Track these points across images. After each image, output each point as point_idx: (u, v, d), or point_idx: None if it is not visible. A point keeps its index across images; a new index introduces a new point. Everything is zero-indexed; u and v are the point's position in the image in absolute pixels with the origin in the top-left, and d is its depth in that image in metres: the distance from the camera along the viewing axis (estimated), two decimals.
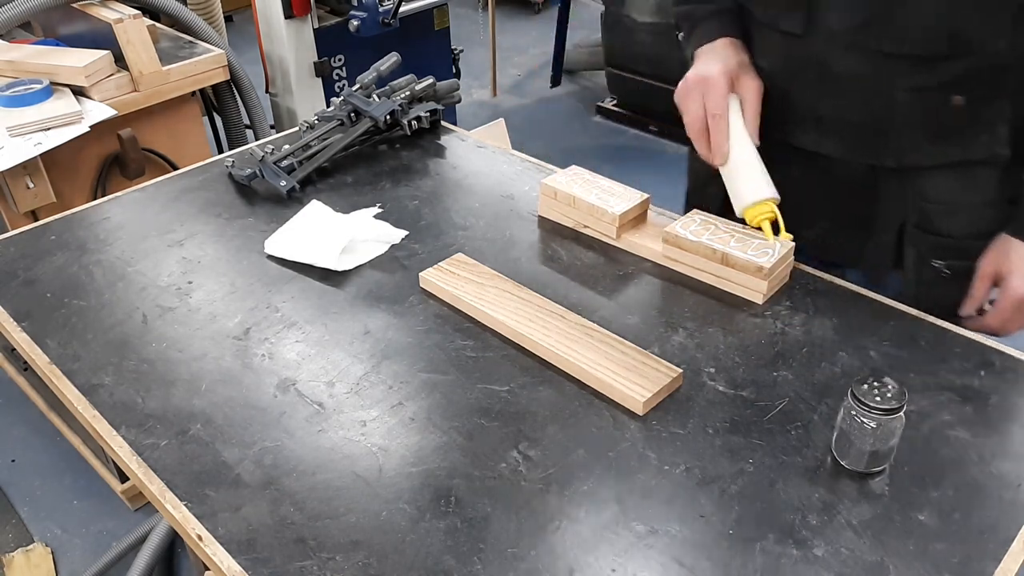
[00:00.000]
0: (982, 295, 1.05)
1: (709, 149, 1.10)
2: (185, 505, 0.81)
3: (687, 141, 1.14)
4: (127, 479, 1.82)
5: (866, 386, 0.79)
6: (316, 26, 2.71)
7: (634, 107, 3.76)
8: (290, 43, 2.68)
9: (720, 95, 1.07)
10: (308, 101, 2.78)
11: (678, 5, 1.21)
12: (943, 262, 1.08)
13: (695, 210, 1.14)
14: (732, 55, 1.10)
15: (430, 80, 1.52)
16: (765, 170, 1.08)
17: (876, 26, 0.98)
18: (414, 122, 1.44)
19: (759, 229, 1.08)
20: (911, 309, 1.04)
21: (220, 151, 2.49)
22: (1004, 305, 1.03)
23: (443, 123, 1.52)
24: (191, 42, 2.31)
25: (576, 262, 1.15)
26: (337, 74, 2.83)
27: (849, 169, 1.10)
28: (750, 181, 1.08)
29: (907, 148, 1.05)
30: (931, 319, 1.02)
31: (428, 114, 1.46)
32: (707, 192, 1.24)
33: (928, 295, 1.09)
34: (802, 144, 1.12)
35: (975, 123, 1.01)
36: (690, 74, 1.10)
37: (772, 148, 1.15)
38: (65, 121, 1.90)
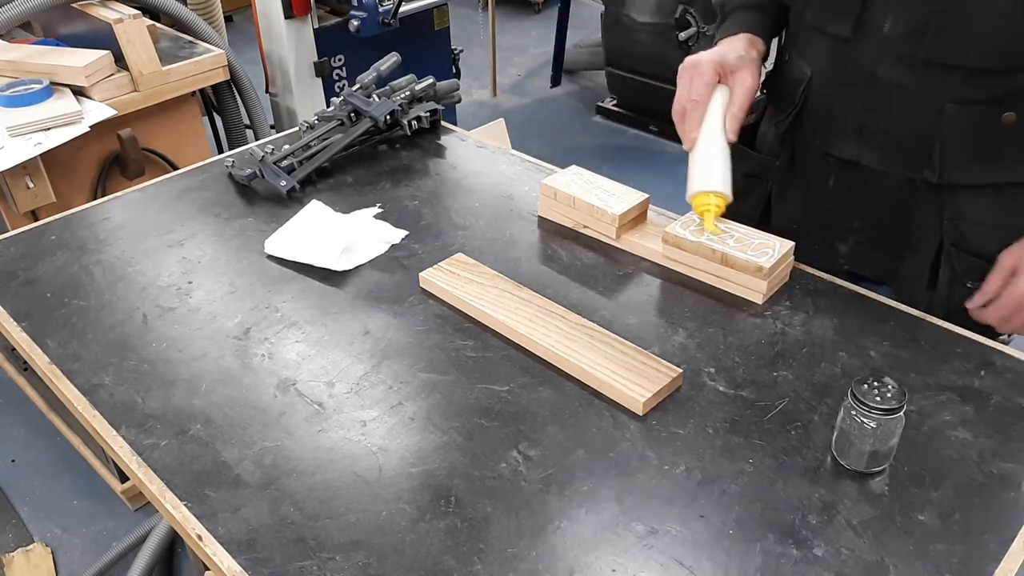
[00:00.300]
0: (994, 288, 1.02)
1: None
2: (185, 505, 0.81)
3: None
4: (127, 479, 1.83)
5: (866, 386, 0.79)
6: (316, 26, 2.71)
7: (634, 107, 3.76)
8: (290, 43, 2.68)
9: (704, 82, 1.05)
10: (308, 101, 2.78)
11: None
12: (977, 283, 1.04)
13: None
14: (740, 48, 1.09)
15: (430, 80, 1.52)
16: (727, 165, 1.07)
17: (933, 34, 0.95)
18: (414, 122, 1.44)
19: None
20: (911, 309, 1.04)
21: (220, 151, 2.49)
22: (1007, 301, 1.00)
23: (443, 123, 1.53)
24: (191, 42, 2.31)
25: (576, 262, 1.15)
26: (337, 74, 2.83)
27: (887, 182, 1.08)
28: (705, 170, 1.07)
29: (950, 164, 1.02)
30: (931, 319, 1.02)
31: (428, 114, 1.46)
32: (744, 202, 1.21)
33: (959, 317, 1.05)
34: (840, 154, 1.10)
35: (1023, 143, 0.98)
36: (689, 57, 1.09)
37: (809, 158, 1.15)
38: (65, 121, 1.90)
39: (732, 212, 1.19)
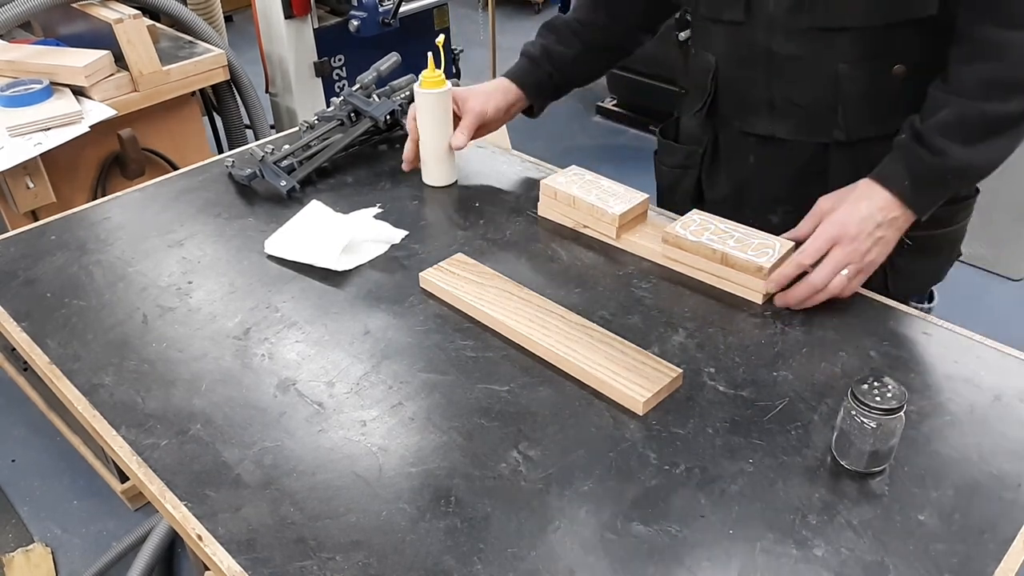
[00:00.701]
0: (806, 228, 1.05)
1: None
2: (185, 505, 0.81)
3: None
4: (127, 479, 1.83)
5: (866, 386, 0.79)
6: (316, 26, 2.72)
7: (634, 107, 3.77)
8: (290, 43, 2.68)
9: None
10: (308, 101, 2.78)
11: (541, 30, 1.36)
12: (911, 236, 1.07)
13: (695, 210, 1.14)
14: (479, 96, 1.29)
15: None
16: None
17: (808, 5, 1.03)
18: None
19: None
20: (911, 309, 1.04)
21: (220, 151, 2.49)
22: (817, 239, 1.01)
23: None
24: (191, 42, 2.31)
25: (576, 262, 1.15)
26: (337, 74, 2.83)
27: (803, 150, 1.15)
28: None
29: (855, 122, 1.09)
30: (931, 319, 1.02)
31: None
32: (676, 191, 1.32)
33: (896, 272, 1.11)
34: (756, 130, 1.17)
35: (919, 92, 1.03)
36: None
37: (730, 140, 1.22)
38: (65, 121, 1.90)
39: (666, 203, 1.31)
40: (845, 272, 1.00)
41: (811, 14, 1.03)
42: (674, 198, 1.34)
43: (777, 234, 1.09)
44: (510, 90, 1.31)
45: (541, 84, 1.32)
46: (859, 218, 1.00)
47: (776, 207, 1.20)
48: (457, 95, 1.29)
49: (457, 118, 1.29)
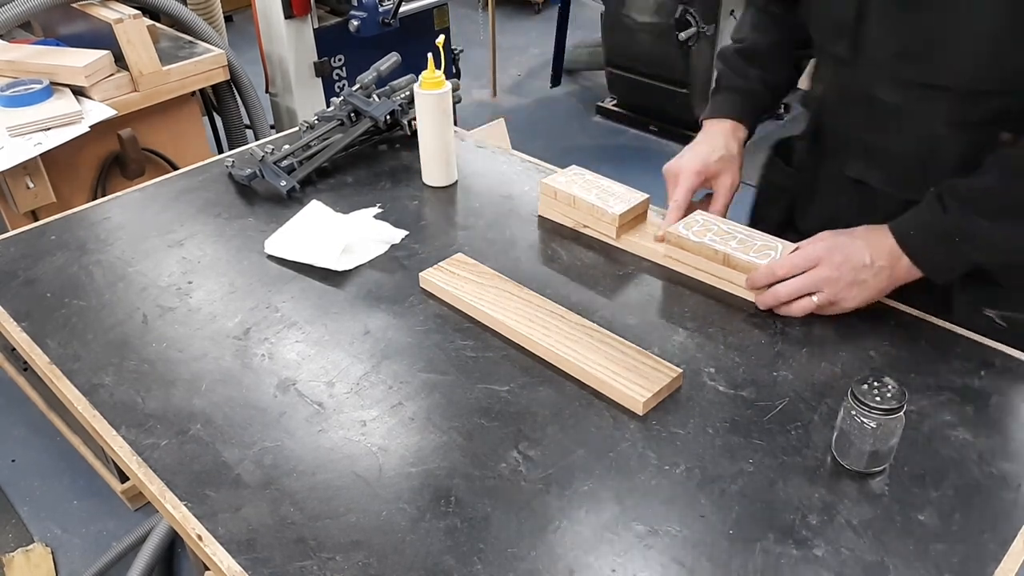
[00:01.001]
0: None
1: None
2: (185, 505, 0.81)
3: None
4: (127, 479, 1.83)
5: (866, 386, 0.79)
6: (316, 26, 2.72)
7: (634, 107, 3.77)
8: (290, 43, 2.68)
9: (684, 190, 1.15)
10: (308, 101, 2.78)
11: (719, 60, 1.26)
12: (996, 311, 1.02)
13: (697, 211, 1.14)
14: (722, 145, 1.17)
15: None
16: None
17: (922, 56, 0.95)
18: (414, 122, 1.44)
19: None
20: (911, 309, 1.04)
21: (220, 151, 2.49)
22: (802, 250, 1.00)
23: None
24: (191, 42, 2.31)
25: (576, 262, 1.15)
26: (337, 74, 2.83)
27: (893, 202, 1.04)
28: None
29: None
30: (931, 319, 1.02)
31: None
32: (770, 208, 1.25)
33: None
34: (850, 172, 1.10)
35: None
36: (671, 163, 1.18)
37: (828, 175, 1.15)
38: (65, 121, 1.90)
39: (758, 218, 1.23)
40: (815, 297, 0.99)
41: (917, 66, 0.95)
42: (767, 214, 1.27)
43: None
44: (738, 130, 1.20)
45: (758, 115, 1.23)
46: (849, 252, 0.98)
47: None
48: (708, 170, 1.16)
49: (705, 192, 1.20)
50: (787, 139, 1.28)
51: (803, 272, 0.99)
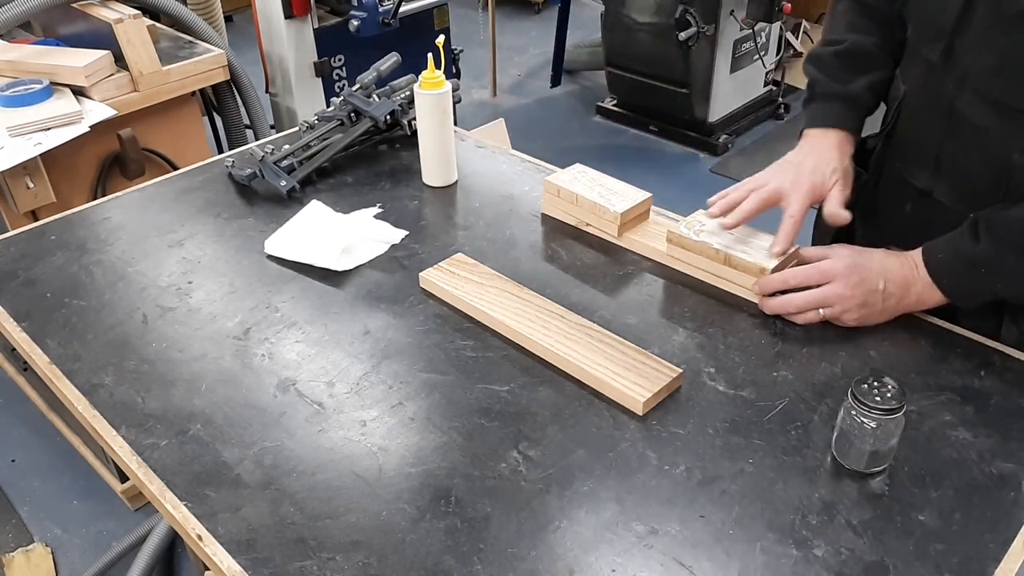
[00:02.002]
0: (815, 253, 1.02)
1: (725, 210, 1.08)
2: (185, 505, 0.81)
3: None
4: (127, 479, 1.83)
5: (866, 386, 0.79)
6: (316, 26, 2.72)
7: (634, 107, 3.77)
8: (290, 43, 2.68)
9: (800, 208, 1.04)
10: (308, 101, 2.78)
11: (811, 64, 1.17)
12: None
13: (699, 210, 1.14)
14: (832, 160, 1.07)
15: None
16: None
17: (1005, 76, 0.91)
18: (414, 122, 1.44)
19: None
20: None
21: (220, 151, 2.49)
22: (820, 263, 0.98)
23: None
24: (191, 42, 2.31)
25: (576, 262, 1.15)
26: (337, 74, 2.83)
27: (957, 219, 0.99)
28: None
29: None
30: (931, 319, 1.02)
31: None
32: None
33: None
34: (917, 182, 1.07)
35: None
36: (775, 178, 1.07)
37: (892, 180, 1.12)
38: (65, 121, 1.90)
39: (818, 222, 1.17)
40: (822, 311, 0.99)
41: (1006, 86, 0.91)
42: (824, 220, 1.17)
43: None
44: (847, 143, 1.11)
45: (863, 121, 1.15)
46: (865, 274, 0.97)
47: None
48: (826, 187, 1.06)
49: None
50: (862, 138, 1.18)
51: (817, 286, 0.99)
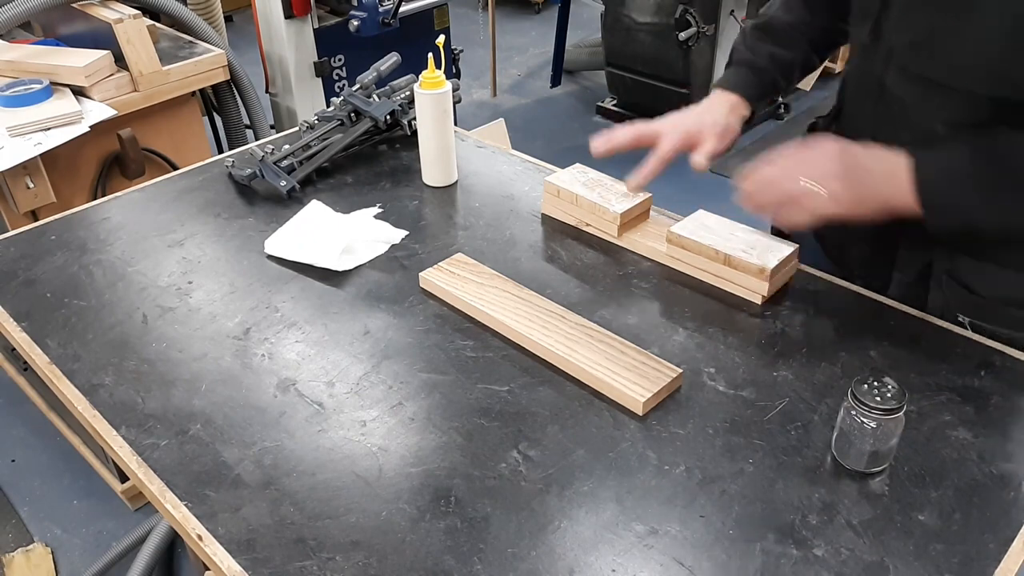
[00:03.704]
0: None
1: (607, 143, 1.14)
2: (185, 505, 0.81)
3: None
4: (127, 479, 1.83)
5: (866, 386, 0.79)
6: (316, 26, 2.72)
7: (634, 107, 3.76)
8: (290, 43, 2.68)
9: (669, 146, 1.11)
10: (308, 101, 2.78)
11: (740, 33, 1.23)
12: (968, 318, 1.01)
13: (700, 211, 1.14)
14: (723, 115, 1.15)
15: None
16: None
17: (929, 49, 0.93)
18: (414, 122, 1.44)
19: None
20: (911, 309, 1.04)
21: (220, 151, 2.49)
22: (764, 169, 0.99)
23: None
24: (191, 42, 2.31)
25: (576, 262, 1.15)
26: (337, 74, 2.83)
27: None
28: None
29: None
30: (931, 319, 1.02)
31: None
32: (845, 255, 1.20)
33: None
34: None
35: None
36: (665, 118, 1.15)
37: None
38: (65, 121, 1.90)
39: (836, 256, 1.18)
40: (804, 182, 0.96)
41: (923, 60, 0.94)
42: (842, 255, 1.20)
43: (857, 270, 1.08)
44: (741, 106, 1.17)
45: (766, 93, 1.21)
46: (851, 143, 0.96)
47: (856, 242, 1.14)
48: (701, 134, 1.13)
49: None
50: (815, 120, 1.25)
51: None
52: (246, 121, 2.53)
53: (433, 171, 1.33)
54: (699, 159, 1.11)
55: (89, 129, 1.91)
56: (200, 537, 0.78)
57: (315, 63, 2.75)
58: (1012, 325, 1.00)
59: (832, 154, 0.97)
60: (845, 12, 1.09)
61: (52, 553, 1.92)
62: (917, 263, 1.06)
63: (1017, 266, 0.98)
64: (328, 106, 1.47)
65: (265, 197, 1.32)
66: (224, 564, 0.76)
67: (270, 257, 1.17)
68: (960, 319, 1.02)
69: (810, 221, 0.97)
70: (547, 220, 1.25)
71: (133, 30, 2.04)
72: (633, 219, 1.18)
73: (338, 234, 1.17)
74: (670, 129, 1.12)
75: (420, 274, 1.10)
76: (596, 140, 1.14)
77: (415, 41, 2.86)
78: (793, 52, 1.19)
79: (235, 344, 1.01)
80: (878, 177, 0.95)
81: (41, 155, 1.85)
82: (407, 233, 1.21)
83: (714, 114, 1.15)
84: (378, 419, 0.90)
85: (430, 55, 1.26)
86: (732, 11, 3.30)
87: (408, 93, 1.48)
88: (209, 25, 2.45)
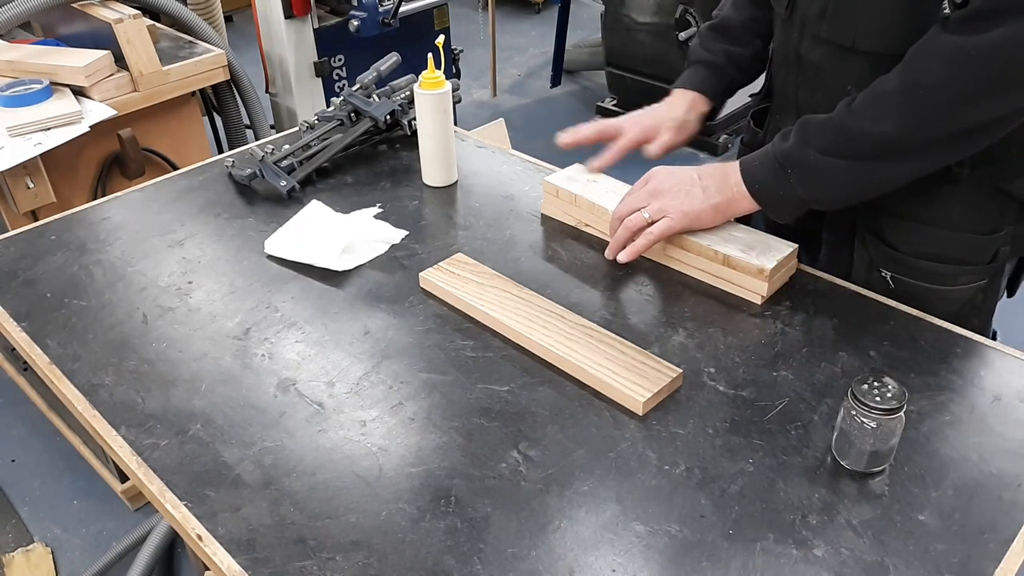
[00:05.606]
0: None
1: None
2: (185, 505, 0.81)
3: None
4: (127, 479, 1.83)
5: (866, 386, 0.79)
6: (316, 26, 2.71)
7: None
8: (290, 43, 2.68)
9: (627, 141, 1.21)
10: (308, 101, 2.78)
11: (696, 34, 1.32)
12: (889, 272, 1.09)
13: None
14: (681, 113, 1.23)
15: None
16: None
17: (830, 17, 1.01)
18: (414, 122, 1.44)
19: None
20: (911, 309, 1.04)
21: (220, 151, 2.49)
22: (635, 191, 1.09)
23: None
24: (191, 42, 2.31)
25: (576, 262, 1.15)
26: (337, 74, 2.83)
27: None
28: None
29: None
30: (931, 319, 1.02)
31: None
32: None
33: None
34: (786, 129, 1.13)
35: None
36: (625, 116, 1.24)
37: (771, 135, 1.18)
38: (65, 121, 1.90)
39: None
40: (644, 212, 1.06)
41: (831, 26, 1.01)
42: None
43: (785, 232, 1.10)
44: (700, 103, 1.25)
45: (724, 89, 1.28)
46: (679, 172, 1.07)
47: None
48: (656, 130, 1.22)
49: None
50: (751, 96, 1.33)
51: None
52: (246, 121, 2.53)
53: (433, 171, 1.33)
54: (652, 148, 1.21)
55: (89, 129, 1.91)
56: (200, 537, 0.78)
57: (315, 63, 2.75)
58: (928, 279, 1.07)
59: (663, 177, 1.07)
60: None
61: (52, 553, 1.92)
62: (844, 222, 1.14)
63: (933, 222, 1.05)
64: (328, 106, 1.47)
65: (265, 197, 1.32)
66: (224, 564, 0.76)
67: (270, 257, 1.17)
68: (883, 274, 1.09)
69: (656, 241, 1.07)
70: (547, 220, 1.25)
71: (133, 30, 2.04)
72: None
73: (338, 234, 1.17)
74: (630, 125, 1.22)
75: (420, 274, 1.10)
76: (562, 134, 1.21)
77: (415, 41, 2.86)
78: (746, 48, 1.26)
79: (235, 344, 1.01)
80: (711, 181, 1.05)
81: (41, 155, 1.85)
82: (407, 233, 1.21)
83: (673, 111, 1.23)
84: (378, 419, 0.90)
85: (430, 55, 1.26)
86: None
87: (408, 93, 1.48)
88: (209, 25, 2.45)
